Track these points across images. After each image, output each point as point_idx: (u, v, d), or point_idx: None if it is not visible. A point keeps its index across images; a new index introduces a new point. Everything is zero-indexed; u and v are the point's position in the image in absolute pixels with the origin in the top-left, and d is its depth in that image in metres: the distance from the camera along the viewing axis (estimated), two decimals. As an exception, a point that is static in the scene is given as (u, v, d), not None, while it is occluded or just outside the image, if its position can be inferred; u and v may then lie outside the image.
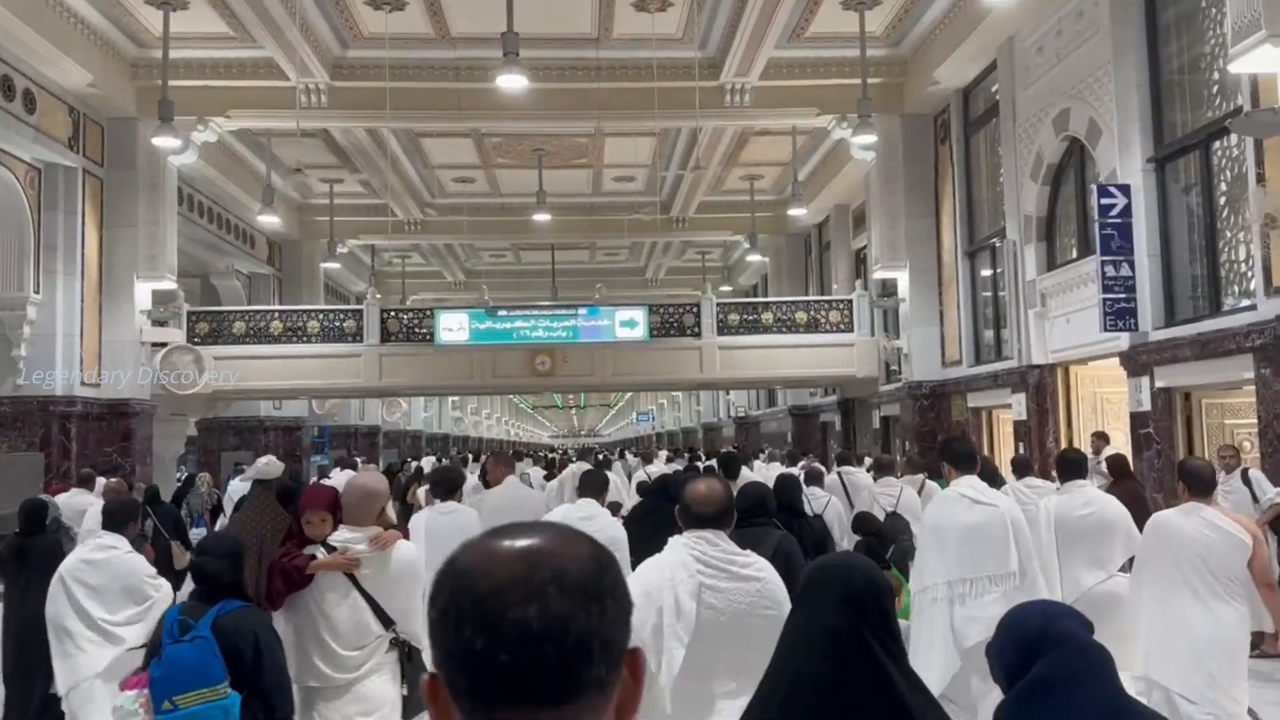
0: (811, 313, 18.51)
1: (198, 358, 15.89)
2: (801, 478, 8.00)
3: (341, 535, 3.94)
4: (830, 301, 18.86)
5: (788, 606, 2.71)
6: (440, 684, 0.86)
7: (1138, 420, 9.99)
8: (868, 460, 10.61)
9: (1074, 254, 11.83)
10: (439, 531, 5.55)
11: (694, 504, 3.12)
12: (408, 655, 3.98)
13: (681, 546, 3.09)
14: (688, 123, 16.24)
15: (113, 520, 5.09)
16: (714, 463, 11.31)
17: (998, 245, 13.82)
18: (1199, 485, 4.51)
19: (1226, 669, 4.29)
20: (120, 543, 4.97)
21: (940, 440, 7.26)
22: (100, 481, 10.04)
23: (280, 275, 22.85)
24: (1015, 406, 12.62)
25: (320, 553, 3.90)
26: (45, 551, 6.33)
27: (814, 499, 7.27)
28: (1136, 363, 9.95)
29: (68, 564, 4.97)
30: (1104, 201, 9.85)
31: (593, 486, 6.13)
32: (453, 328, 17.73)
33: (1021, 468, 7.96)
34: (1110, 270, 9.80)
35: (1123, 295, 9.78)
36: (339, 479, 11.68)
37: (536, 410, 71.61)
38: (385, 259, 29.03)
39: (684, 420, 44.08)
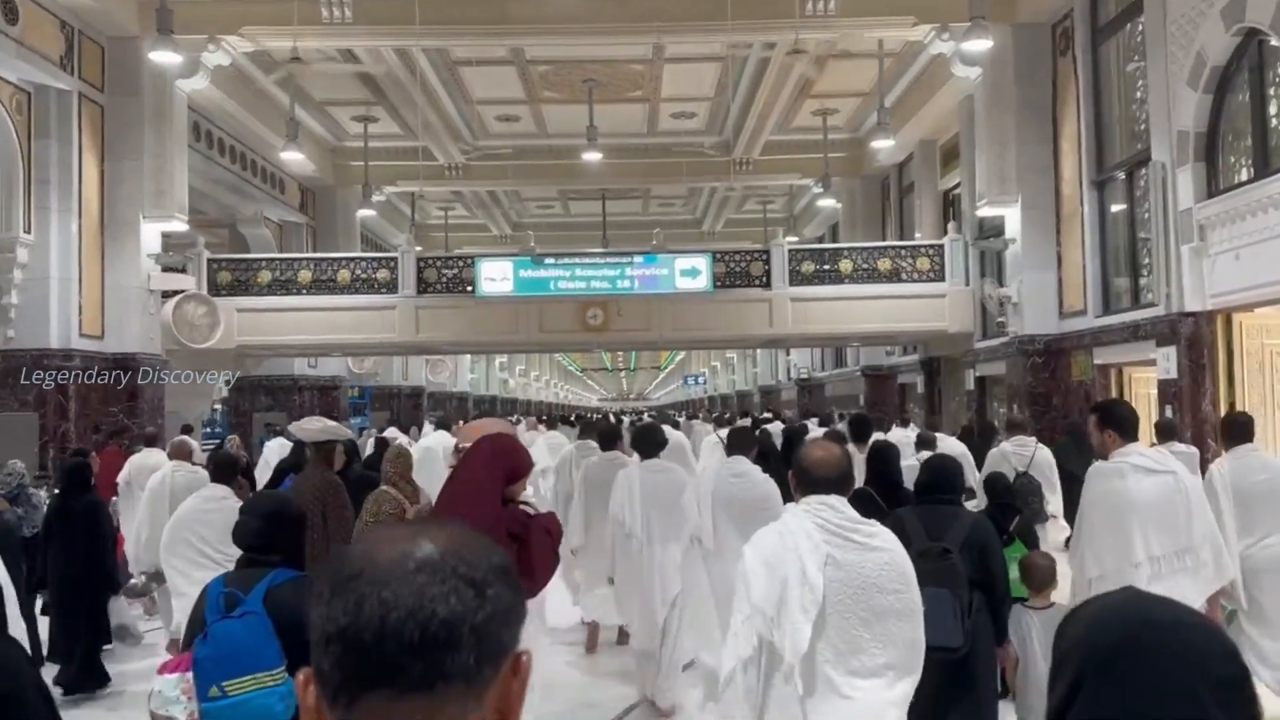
0: (896, 260, 16.45)
1: (212, 309, 14.29)
2: (914, 441, 7.90)
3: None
4: (918, 247, 16.75)
5: (916, 587, 2.86)
6: (312, 679, 0.84)
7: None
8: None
9: (1246, 175, 9.64)
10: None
11: (813, 467, 2.96)
12: None
13: (803, 514, 2.90)
14: (763, 35, 14.17)
15: (220, 473, 5.66)
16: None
17: (1138, 172, 11.63)
18: (1244, 432, 4.77)
19: None
20: (228, 493, 5.46)
21: (1097, 404, 5.86)
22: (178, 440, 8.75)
23: (314, 224, 21.23)
24: (1161, 363, 10.52)
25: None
26: (87, 512, 6.63)
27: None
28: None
29: (184, 513, 5.43)
30: (1313, 98, 7.68)
31: (742, 444, 5.73)
32: (495, 278, 15.97)
33: (1166, 432, 7.20)
34: (1321, 186, 7.65)
35: (1336, 218, 7.64)
36: (434, 439, 10.74)
37: (586, 373, 70.06)
38: (427, 211, 27.33)
39: (739, 383, 42.10)
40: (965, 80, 15.18)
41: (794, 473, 3.03)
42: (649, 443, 6.01)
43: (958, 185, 17.93)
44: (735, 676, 2.82)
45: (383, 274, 16.25)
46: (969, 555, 3.76)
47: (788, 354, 29.83)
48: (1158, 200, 10.55)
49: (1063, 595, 4.61)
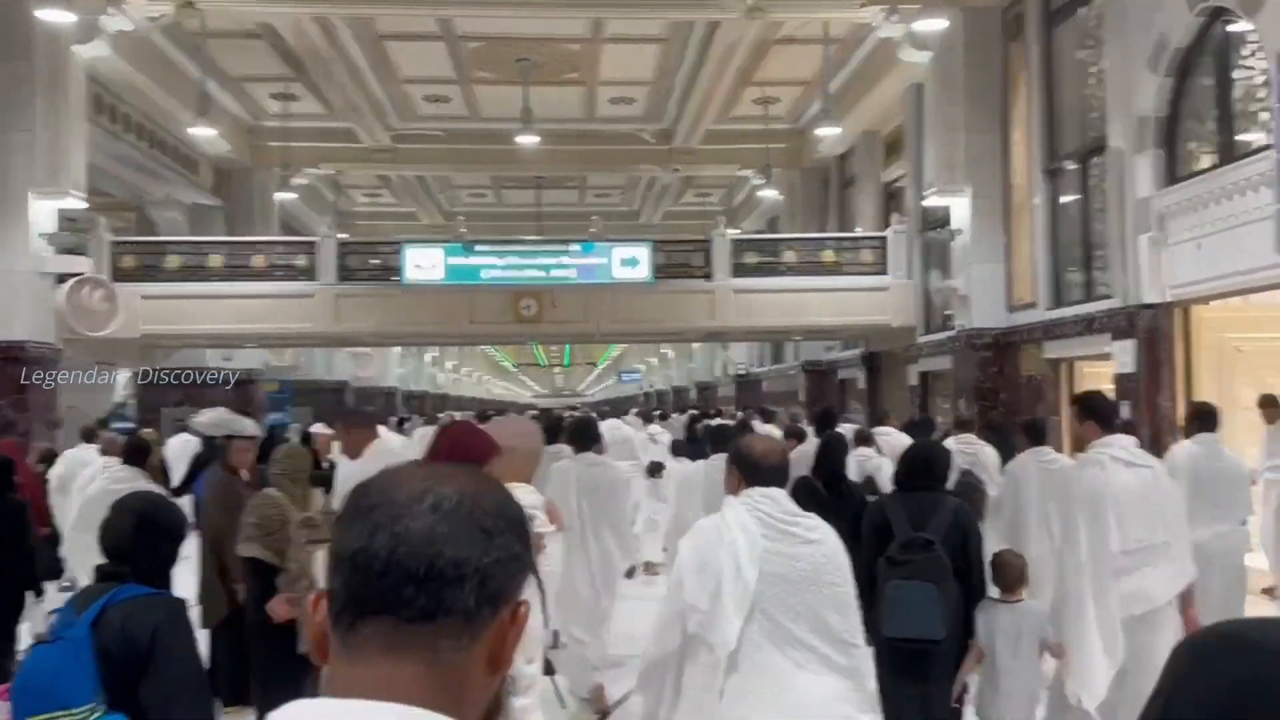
0: (839, 252, 16.01)
1: (110, 293, 13.20)
2: (851, 438, 7.61)
3: (523, 497, 2.64)
4: (861, 239, 16.36)
5: (851, 580, 2.87)
6: (324, 596, 0.87)
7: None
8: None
9: (1207, 162, 9.30)
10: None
11: (761, 459, 2.92)
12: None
13: (742, 507, 2.86)
14: (705, 13, 13.55)
15: (132, 456, 5.90)
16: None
17: (1093, 160, 11.28)
18: (1210, 420, 5.09)
19: None
20: (138, 475, 5.60)
21: (1076, 395, 5.64)
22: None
23: (229, 208, 20.03)
24: (1118, 357, 10.16)
25: None
26: (11, 514, 6.01)
27: (867, 461, 6.85)
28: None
29: (92, 496, 5.60)
30: (1287, 78, 7.31)
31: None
32: (423, 265, 15.11)
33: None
34: (1294, 169, 7.28)
35: (1310, 203, 7.27)
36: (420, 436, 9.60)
37: (520, 368, 68.99)
38: (352, 198, 26.27)
39: (676, 379, 41.60)
40: (911, 68, 14.76)
41: (736, 465, 2.98)
42: (584, 436, 6.08)
43: (900, 178, 17.56)
44: (651, 668, 2.83)
45: (301, 260, 15.28)
46: (951, 543, 3.73)
47: (725, 349, 29.36)
48: (1114, 188, 10.19)
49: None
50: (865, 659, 2.90)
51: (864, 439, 7.92)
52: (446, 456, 2.76)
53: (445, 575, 0.82)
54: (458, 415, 20.92)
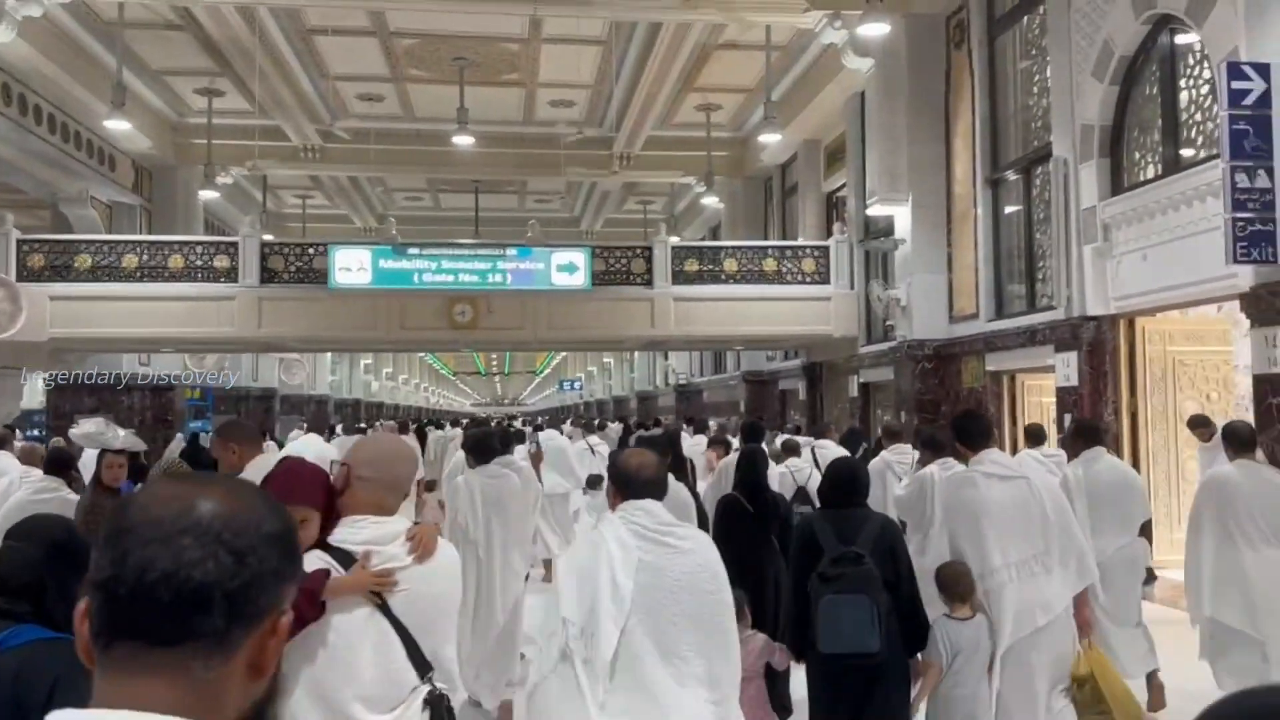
0: (781, 261, 15.77)
1: (12, 293, 12.41)
2: (779, 449, 7.87)
3: (361, 532, 2.42)
4: (804, 248, 16.13)
5: (728, 587, 2.90)
6: (85, 616, 0.88)
7: (1266, 387, 7.37)
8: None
9: (1153, 172, 9.18)
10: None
11: (633, 471, 2.96)
12: (443, 714, 2.41)
13: (618, 520, 2.90)
14: (646, 14, 13.22)
15: (54, 466, 5.79)
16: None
17: (1036, 170, 11.16)
18: (1243, 443, 5.11)
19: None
20: (61, 485, 5.53)
21: (954, 416, 5.72)
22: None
23: (150, 206, 19.18)
24: (1060, 369, 10.00)
25: (330, 564, 2.35)
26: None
27: (796, 471, 6.79)
28: (1266, 308, 7.33)
29: (12, 507, 5.20)
30: (1235, 86, 7.17)
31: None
32: (351, 267, 14.53)
33: (1034, 436, 7.19)
34: (1242, 180, 7.13)
35: (1257, 214, 7.12)
36: (301, 446, 8.94)
37: (458, 376, 68.04)
38: (282, 199, 25.44)
39: (616, 389, 41.20)
40: (854, 76, 14.60)
41: (612, 480, 3.04)
42: (484, 449, 5.98)
43: (842, 187, 17.42)
44: (539, 684, 2.81)
45: (222, 260, 14.59)
46: (880, 558, 3.74)
47: (666, 359, 29.04)
48: (1059, 198, 10.04)
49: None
50: (736, 671, 2.90)
51: (792, 449, 7.87)
52: (276, 490, 2.35)
53: (191, 602, 0.83)
54: (386, 424, 20.20)
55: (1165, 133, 8.92)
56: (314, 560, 2.35)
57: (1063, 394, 10.00)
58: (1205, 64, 8.43)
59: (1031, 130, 11.39)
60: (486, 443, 6.10)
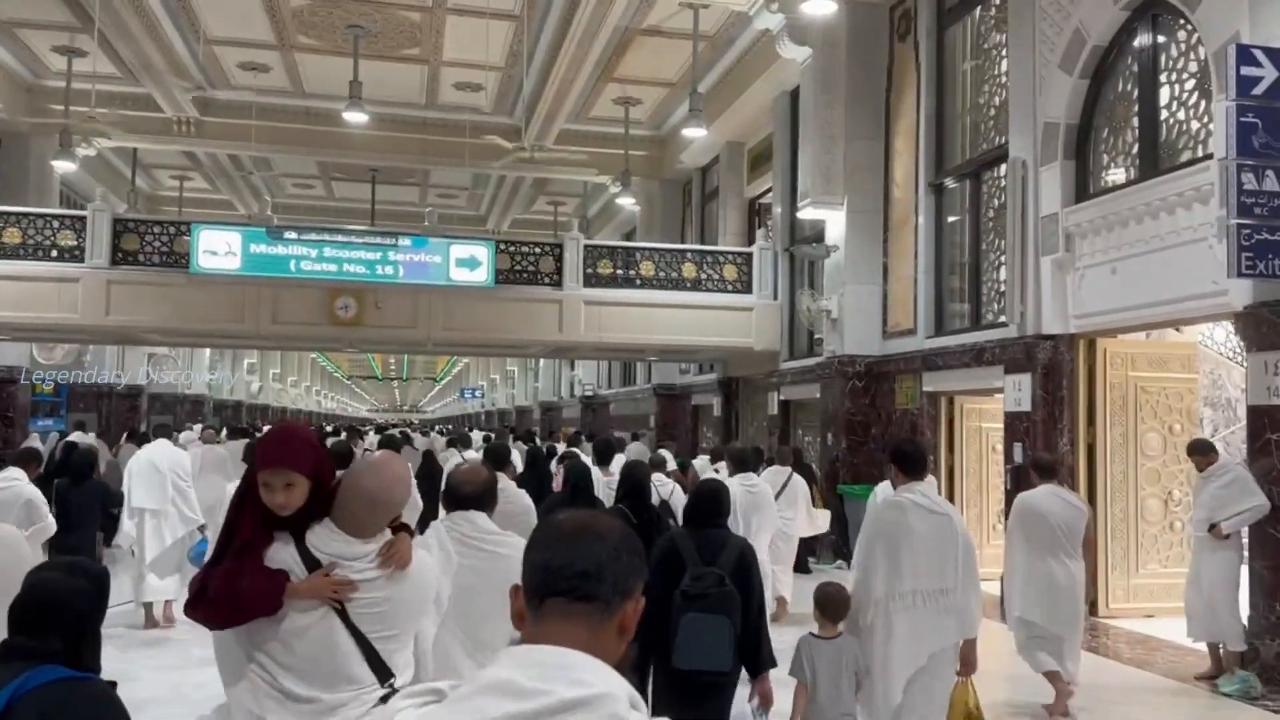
0: (701, 267, 14.61)
1: None
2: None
3: (332, 543, 2.49)
4: (726, 253, 15.00)
5: None
6: (519, 591, 1.33)
7: (1263, 420, 6.42)
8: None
9: (1125, 176, 8.26)
10: None
11: (458, 485, 3.36)
12: None
13: (443, 529, 3.26)
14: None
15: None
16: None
17: (987, 173, 10.21)
18: (1049, 472, 6.04)
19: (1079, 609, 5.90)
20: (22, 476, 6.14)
21: (890, 443, 5.59)
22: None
23: (-3, 177, 17.00)
24: (1010, 392, 9.01)
25: (295, 565, 2.44)
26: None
27: (661, 487, 6.88)
28: (1268, 330, 6.38)
29: None
30: (1244, 72, 6.22)
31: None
32: (217, 251, 12.79)
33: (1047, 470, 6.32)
34: (1249, 180, 6.18)
35: (1264, 220, 6.18)
36: (142, 460, 8.31)
37: (353, 380, 65.33)
38: (157, 179, 23.27)
39: (519, 398, 39.59)
40: (783, 73, 13.60)
41: (443, 491, 3.46)
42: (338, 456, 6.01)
43: (766, 193, 16.41)
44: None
45: (66, 237, 12.69)
46: (737, 580, 3.87)
47: (573, 368, 27.68)
48: (1014, 204, 9.06)
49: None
50: None
51: (657, 465, 7.92)
52: (266, 452, 2.51)
53: (596, 578, 1.27)
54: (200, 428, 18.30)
55: (1143, 132, 7.99)
56: (285, 557, 2.45)
57: (1013, 420, 9.00)
58: (1192, 55, 7.53)
59: (983, 130, 10.45)
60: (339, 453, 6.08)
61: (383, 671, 2.50)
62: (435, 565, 2.81)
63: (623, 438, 15.95)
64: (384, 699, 2.45)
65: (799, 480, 8.99)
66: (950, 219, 10.96)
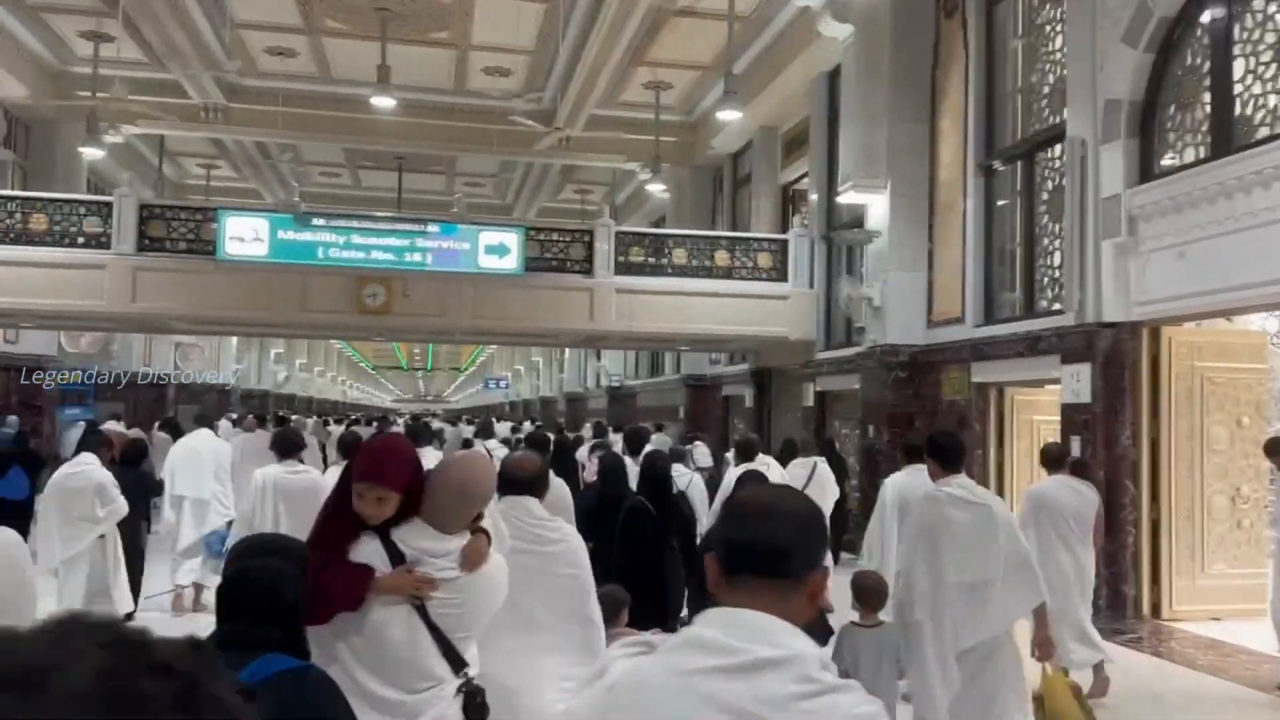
0: (734, 254, 14.25)
1: None
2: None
3: (419, 539, 2.57)
4: (760, 240, 14.63)
5: (588, 569, 3.50)
6: (714, 559, 1.41)
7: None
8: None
9: (1193, 155, 7.83)
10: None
11: (512, 471, 3.50)
12: (476, 706, 2.60)
13: (497, 513, 3.18)
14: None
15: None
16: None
17: (1040, 155, 9.79)
18: (1058, 463, 6.17)
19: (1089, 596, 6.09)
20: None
21: (928, 435, 5.48)
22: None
23: (25, 164, 16.88)
24: (1068, 384, 8.61)
25: (380, 560, 2.52)
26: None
27: (678, 476, 6.89)
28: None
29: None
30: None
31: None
32: (244, 237, 12.56)
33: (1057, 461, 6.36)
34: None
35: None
36: (184, 449, 8.60)
37: (379, 371, 65.40)
38: (184, 167, 23.16)
39: (544, 389, 39.37)
40: (821, 53, 13.21)
41: (499, 479, 3.30)
42: (288, 444, 6.25)
43: (801, 178, 16.02)
44: None
45: (92, 224, 12.50)
46: None
47: (599, 358, 27.37)
48: (1073, 185, 8.65)
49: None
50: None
51: (678, 456, 8.02)
52: (366, 467, 2.57)
53: (786, 554, 1.36)
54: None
55: (1215, 108, 7.56)
56: (371, 551, 2.53)
57: (1070, 412, 8.60)
58: (1269, 25, 7.09)
59: (1035, 109, 10.01)
60: (289, 438, 6.39)
61: (457, 663, 2.59)
62: (504, 563, 2.83)
63: (647, 428, 15.66)
64: (459, 689, 2.59)
65: (825, 469, 8.84)
66: (1000, 203, 10.54)
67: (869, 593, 4.19)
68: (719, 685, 1.24)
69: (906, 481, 5.95)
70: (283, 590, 2.07)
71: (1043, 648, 4.25)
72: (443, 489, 2.59)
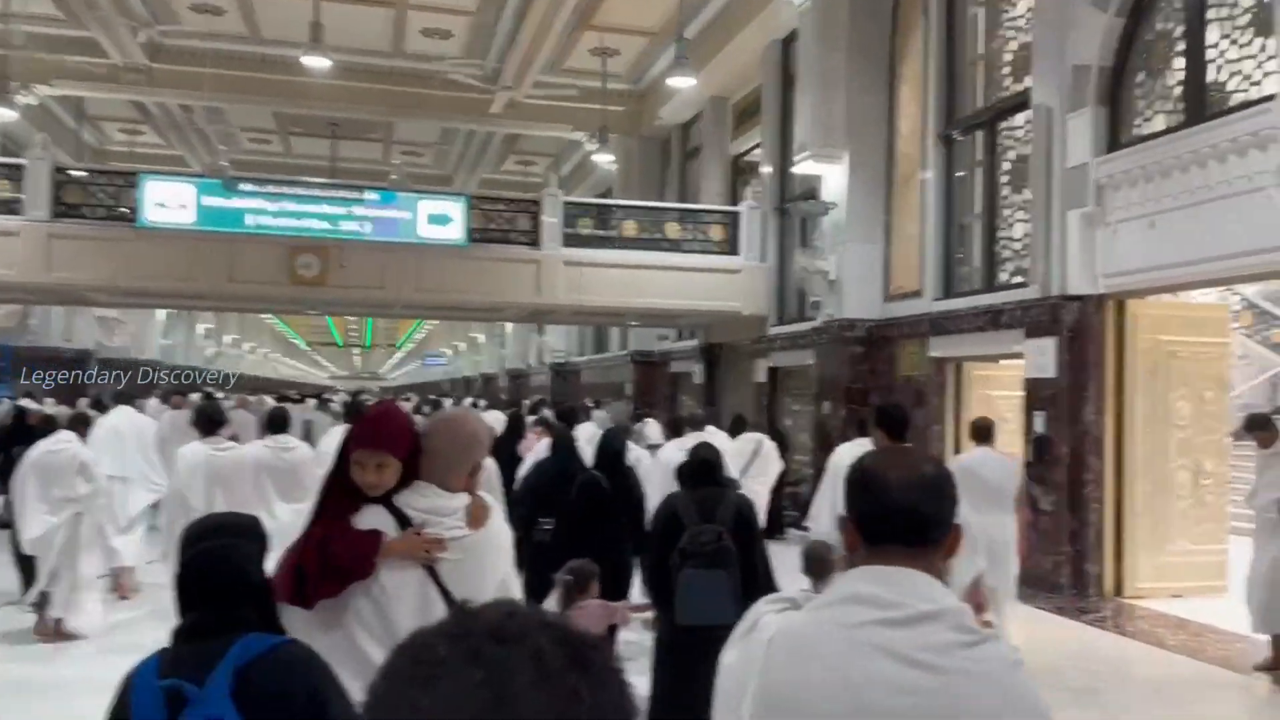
0: (686, 226, 13.88)
1: None
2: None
3: (423, 500, 2.46)
4: (712, 212, 14.27)
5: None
6: (850, 524, 1.44)
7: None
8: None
9: (1164, 124, 7.63)
10: None
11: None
12: None
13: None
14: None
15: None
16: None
17: (1002, 124, 9.56)
18: (985, 435, 6.31)
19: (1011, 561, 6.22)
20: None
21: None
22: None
23: (-72, 127, 15.81)
24: (1032, 358, 8.41)
25: (387, 525, 2.41)
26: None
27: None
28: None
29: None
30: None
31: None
32: (168, 204, 11.83)
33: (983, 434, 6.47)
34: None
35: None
36: (106, 427, 8.14)
37: (314, 347, 63.92)
38: (105, 133, 22.05)
39: (485, 366, 38.69)
40: (775, 19, 12.87)
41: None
42: (208, 421, 6.15)
43: (752, 149, 15.67)
44: None
45: (2, 188, 11.65)
46: (737, 534, 4.01)
47: (542, 334, 26.86)
48: (1038, 154, 8.41)
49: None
50: None
51: (630, 433, 7.88)
52: (365, 433, 2.47)
53: (929, 522, 1.39)
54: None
55: (1188, 74, 7.35)
56: (375, 518, 2.40)
57: (1034, 387, 8.41)
58: (1247, -13, 6.88)
59: (997, 77, 9.77)
60: (210, 414, 6.28)
61: None
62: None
63: (579, 406, 15.30)
64: None
65: (770, 445, 9.12)
66: (960, 174, 10.30)
67: (816, 561, 4.20)
68: (887, 634, 1.29)
69: (856, 452, 5.89)
70: (249, 570, 2.02)
71: (978, 608, 4.48)
72: (443, 439, 2.51)
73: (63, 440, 6.36)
